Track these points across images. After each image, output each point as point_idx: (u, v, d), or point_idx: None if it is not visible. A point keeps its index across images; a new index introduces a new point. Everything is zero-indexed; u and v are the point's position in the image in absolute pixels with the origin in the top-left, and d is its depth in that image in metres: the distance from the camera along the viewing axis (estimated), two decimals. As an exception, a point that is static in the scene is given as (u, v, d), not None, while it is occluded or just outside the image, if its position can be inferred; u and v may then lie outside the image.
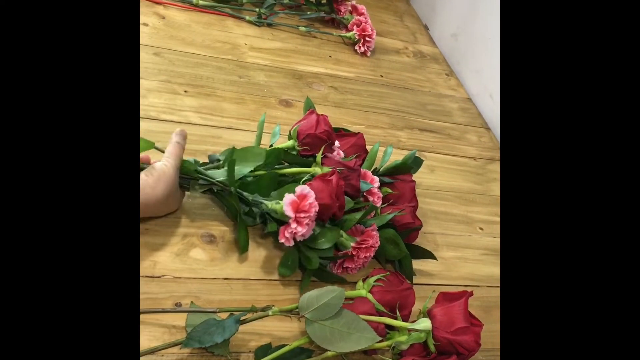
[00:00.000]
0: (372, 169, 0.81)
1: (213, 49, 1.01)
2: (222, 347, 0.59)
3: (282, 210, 0.65)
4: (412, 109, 1.11)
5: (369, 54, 1.19)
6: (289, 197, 0.65)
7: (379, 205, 0.77)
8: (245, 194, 0.69)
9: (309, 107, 0.84)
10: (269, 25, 1.14)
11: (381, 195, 0.78)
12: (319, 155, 0.76)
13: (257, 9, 1.13)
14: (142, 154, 0.65)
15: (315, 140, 0.77)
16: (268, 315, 0.60)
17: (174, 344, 0.57)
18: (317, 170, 0.75)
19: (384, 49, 1.25)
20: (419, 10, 1.46)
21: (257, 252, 0.71)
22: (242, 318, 0.59)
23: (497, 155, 1.09)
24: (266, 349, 0.61)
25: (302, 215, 0.64)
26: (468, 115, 1.17)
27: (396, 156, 0.96)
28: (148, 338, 0.58)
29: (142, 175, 0.62)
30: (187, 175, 0.68)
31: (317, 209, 0.65)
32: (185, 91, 0.90)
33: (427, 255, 0.76)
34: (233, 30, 1.09)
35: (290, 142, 0.78)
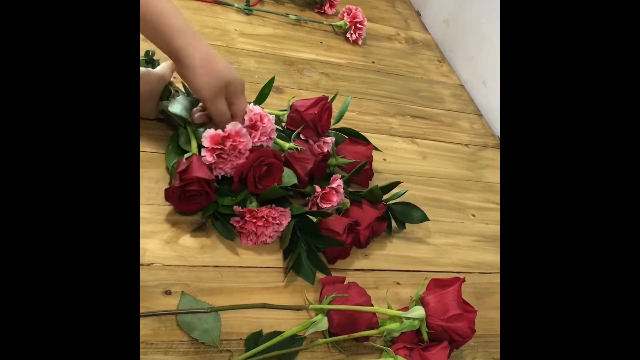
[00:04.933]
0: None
1: (203, 35, 0.98)
2: (212, 337, 0.59)
3: None
4: (404, 95, 1.10)
5: (360, 42, 1.17)
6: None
7: (327, 205, 0.73)
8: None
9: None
10: (255, 11, 1.12)
11: (334, 201, 0.73)
12: (295, 134, 0.77)
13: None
14: None
15: (299, 118, 0.78)
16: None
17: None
18: (284, 145, 0.75)
19: (375, 36, 1.24)
20: (411, -3, 1.45)
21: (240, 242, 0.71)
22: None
23: (490, 141, 1.09)
24: (257, 338, 0.60)
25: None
26: (460, 101, 1.16)
27: (390, 143, 0.95)
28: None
29: None
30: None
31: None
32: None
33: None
34: (222, 16, 1.07)
35: (282, 112, 0.79)
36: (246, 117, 0.72)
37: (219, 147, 0.67)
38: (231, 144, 0.67)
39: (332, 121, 0.82)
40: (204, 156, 0.67)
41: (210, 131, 0.68)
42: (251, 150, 0.69)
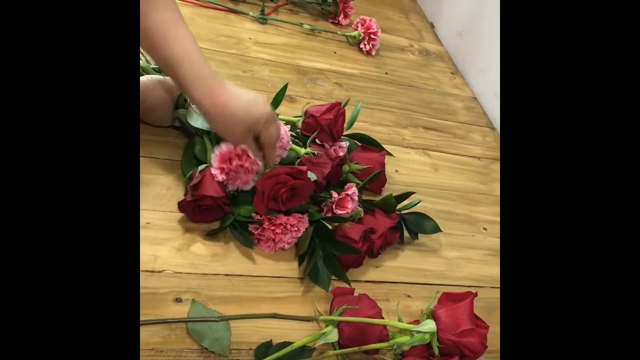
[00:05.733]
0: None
1: (217, 43, 1.00)
2: (222, 346, 0.59)
3: None
4: (416, 107, 1.10)
5: (373, 52, 1.17)
6: None
7: (342, 212, 0.73)
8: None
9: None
10: (270, 20, 1.13)
11: (349, 208, 0.73)
12: (310, 138, 0.77)
13: (261, 3, 1.12)
14: None
15: (315, 123, 0.78)
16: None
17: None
18: (300, 150, 0.76)
19: (389, 47, 1.24)
20: (425, 8, 1.45)
21: (258, 248, 0.70)
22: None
23: (502, 155, 1.08)
24: (266, 348, 0.60)
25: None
26: (473, 114, 1.16)
27: (402, 154, 0.95)
28: (147, 333, 0.57)
29: None
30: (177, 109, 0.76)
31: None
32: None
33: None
34: (237, 25, 1.08)
35: (297, 118, 0.79)
36: None
37: (226, 167, 0.67)
38: (237, 164, 0.67)
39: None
40: (215, 174, 0.67)
41: (222, 148, 0.68)
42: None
